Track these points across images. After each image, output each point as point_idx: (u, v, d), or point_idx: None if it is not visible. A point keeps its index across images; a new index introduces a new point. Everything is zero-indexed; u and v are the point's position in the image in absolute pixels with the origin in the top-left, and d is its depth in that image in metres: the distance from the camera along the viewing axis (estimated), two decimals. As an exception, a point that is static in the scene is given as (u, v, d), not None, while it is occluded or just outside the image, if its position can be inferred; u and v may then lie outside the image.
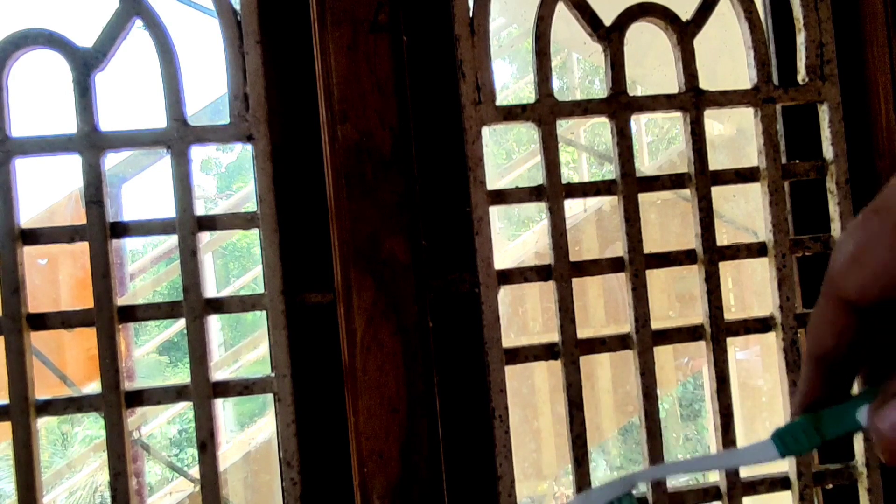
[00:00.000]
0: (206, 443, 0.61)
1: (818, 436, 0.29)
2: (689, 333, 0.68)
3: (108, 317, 0.61)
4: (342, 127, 0.62)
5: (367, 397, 0.62)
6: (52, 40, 0.61)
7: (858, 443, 0.68)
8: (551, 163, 0.65)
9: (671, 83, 0.69)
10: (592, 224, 3.38)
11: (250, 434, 3.59)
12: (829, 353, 0.29)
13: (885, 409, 0.26)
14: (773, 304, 0.68)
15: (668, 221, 3.20)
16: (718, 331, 0.66)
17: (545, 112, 0.66)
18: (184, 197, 0.62)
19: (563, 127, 3.45)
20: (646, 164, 4.18)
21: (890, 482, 0.68)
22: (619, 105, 0.66)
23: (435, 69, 0.67)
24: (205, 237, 1.25)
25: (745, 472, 0.67)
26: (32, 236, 0.61)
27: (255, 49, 0.62)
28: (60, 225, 0.62)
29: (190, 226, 0.62)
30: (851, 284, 0.27)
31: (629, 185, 0.66)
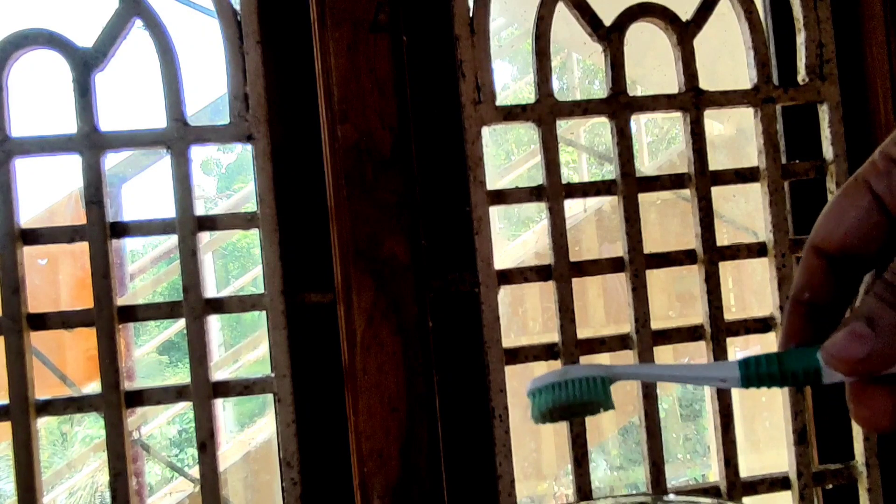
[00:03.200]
0: (206, 443, 0.61)
1: (779, 369, 0.31)
2: (689, 333, 0.68)
3: (108, 317, 0.61)
4: (342, 127, 0.62)
5: (367, 397, 0.62)
6: (52, 40, 0.61)
7: (858, 442, 0.68)
8: (551, 163, 0.65)
9: (671, 83, 0.69)
10: (592, 224, 3.38)
11: (250, 434, 3.59)
12: (800, 292, 0.32)
13: (834, 335, 0.29)
14: (773, 304, 0.68)
15: (668, 221, 3.20)
16: (718, 331, 0.66)
17: (545, 112, 0.66)
18: (184, 197, 0.62)
19: (563, 127, 3.44)
20: (646, 164, 4.18)
21: (890, 482, 0.68)
22: (619, 105, 0.66)
23: (435, 69, 0.67)
24: (205, 237, 1.25)
25: (745, 473, 0.67)
26: (32, 236, 0.61)
27: (255, 49, 0.62)
28: (60, 225, 0.62)
29: (190, 226, 0.62)
30: (818, 232, 0.31)
31: (629, 185, 0.66)
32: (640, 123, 4.62)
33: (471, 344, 0.66)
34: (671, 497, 0.38)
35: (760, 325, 0.68)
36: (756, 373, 0.31)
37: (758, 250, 0.69)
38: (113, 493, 0.60)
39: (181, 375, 5.98)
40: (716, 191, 0.68)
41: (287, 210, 0.64)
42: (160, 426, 4.71)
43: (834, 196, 0.32)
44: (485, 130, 0.65)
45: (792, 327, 0.32)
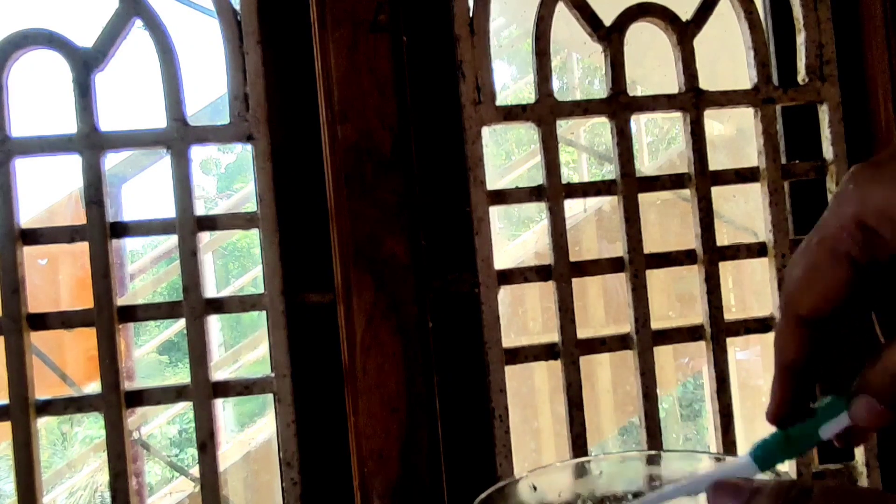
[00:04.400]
0: (206, 443, 0.61)
1: (790, 451, 0.34)
2: (689, 333, 0.68)
3: (108, 317, 0.61)
4: (342, 127, 0.62)
5: (367, 397, 0.62)
6: (52, 40, 0.61)
7: (858, 443, 0.68)
8: (551, 163, 0.65)
9: (671, 83, 0.69)
10: (592, 224, 3.37)
11: (250, 434, 3.58)
12: (794, 363, 0.34)
13: (855, 402, 0.32)
14: (773, 304, 0.68)
15: (668, 221, 3.19)
16: (718, 331, 0.66)
17: (545, 112, 0.66)
18: (184, 197, 0.62)
19: (563, 127, 3.44)
20: (646, 164, 4.17)
21: (890, 482, 0.68)
22: (619, 105, 0.66)
23: (435, 69, 0.67)
24: (205, 237, 1.25)
25: (745, 472, 0.67)
26: (32, 236, 0.61)
27: (255, 49, 0.62)
28: (60, 225, 0.62)
29: (190, 226, 0.62)
30: (804, 304, 0.33)
31: (629, 185, 0.66)
32: (640, 123, 4.62)
33: (471, 344, 0.66)
34: (672, 452, 0.39)
35: (760, 325, 0.68)
36: (772, 463, 0.34)
37: (758, 250, 0.69)
38: (113, 493, 0.60)
39: (181, 375, 5.97)
40: (716, 191, 0.68)
41: (287, 210, 0.64)
42: (160, 426, 4.71)
43: (806, 265, 0.33)
44: (485, 130, 0.65)
45: (784, 396, 0.35)
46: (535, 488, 0.39)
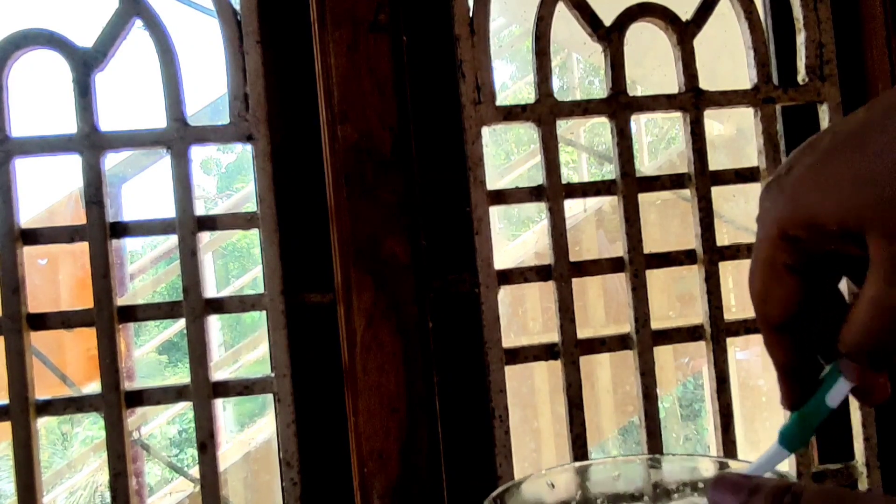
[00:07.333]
0: (206, 443, 0.61)
1: (808, 427, 0.36)
2: (689, 333, 0.68)
3: (108, 317, 0.61)
4: (342, 127, 0.62)
5: (367, 397, 0.62)
6: (52, 40, 0.61)
7: (858, 442, 0.68)
8: (551, 163, 0.65)
9: (671, 83, 0.69)
10: (592, 224, 3.38)
11: (250, 434, 3.58)
12: (789, 363, 0.36)
13: (841, 363, 0.34)
14: (773, 304, 0.68)
15: (668, 221, 3.20)
16: (718, 331, 0.66)
17: (545, 112, 0.66)
18: (184, 197, 0.62)
19: (563, 127, 3.44)
20: (646, 164, 4.17)
21: (890, 482, 0.68)
22: (619, 105, 0.66)
23: (435, 69, 0.67)
24: (205, 237, 1.25)
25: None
26: (32, 236, 0.61)
27: (255, 49, 0.62)
28: (60, 225, 0.62)
29: (190, 226, 0.62)
30: (772, 316, 0.35)
31: (629, 185, 0.66)
32: (640, 123, 4.62)
33: (471, 344, 0.66)
34: (669, 457, 0.40)
35: (760, 325, 0.68)
36: (799, 443, 0.36)
37: (758, 250, 0.69)
38: (113, 493, 0.60)
39: (181, 375, 5.97)
40: (716, 191, 0.68)
41: (287, 210, 0.64)
42: (160, 426, 4.71)
43: (757, 284, 0.35)
44: (485, 130, 0.65)
45: (789, 388, 0.37)
46: (552, 486, 0.39)
